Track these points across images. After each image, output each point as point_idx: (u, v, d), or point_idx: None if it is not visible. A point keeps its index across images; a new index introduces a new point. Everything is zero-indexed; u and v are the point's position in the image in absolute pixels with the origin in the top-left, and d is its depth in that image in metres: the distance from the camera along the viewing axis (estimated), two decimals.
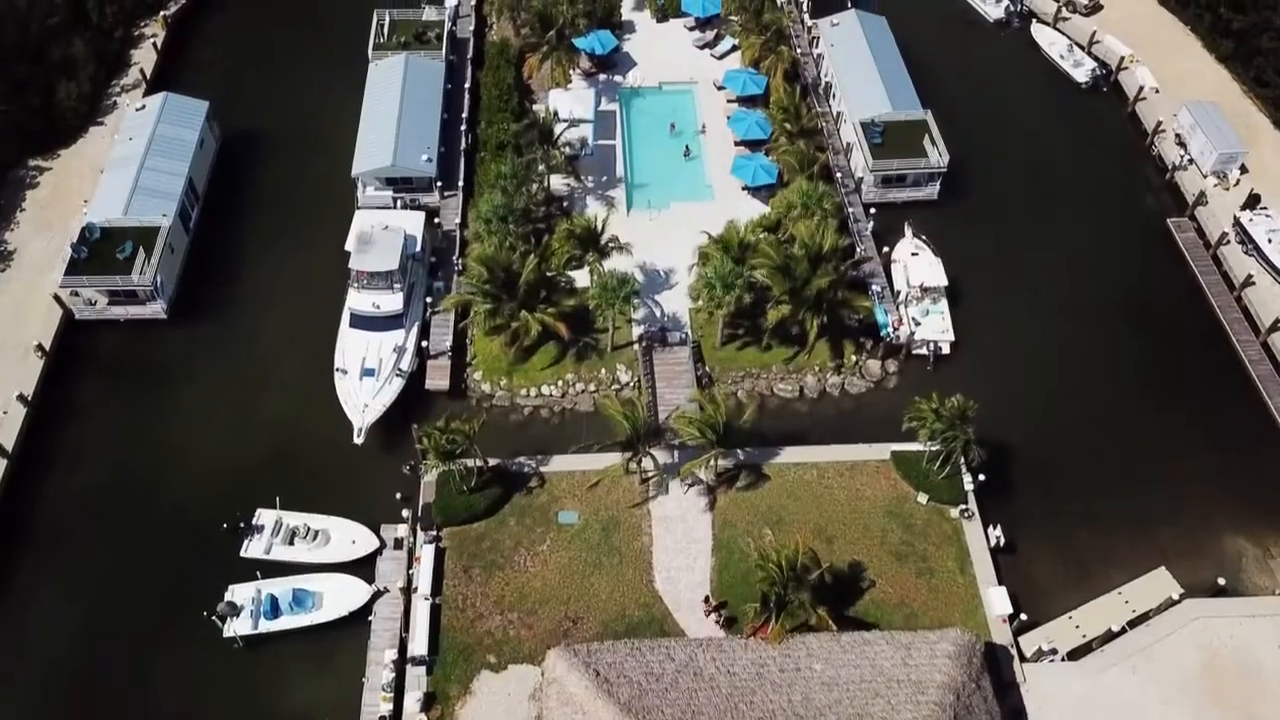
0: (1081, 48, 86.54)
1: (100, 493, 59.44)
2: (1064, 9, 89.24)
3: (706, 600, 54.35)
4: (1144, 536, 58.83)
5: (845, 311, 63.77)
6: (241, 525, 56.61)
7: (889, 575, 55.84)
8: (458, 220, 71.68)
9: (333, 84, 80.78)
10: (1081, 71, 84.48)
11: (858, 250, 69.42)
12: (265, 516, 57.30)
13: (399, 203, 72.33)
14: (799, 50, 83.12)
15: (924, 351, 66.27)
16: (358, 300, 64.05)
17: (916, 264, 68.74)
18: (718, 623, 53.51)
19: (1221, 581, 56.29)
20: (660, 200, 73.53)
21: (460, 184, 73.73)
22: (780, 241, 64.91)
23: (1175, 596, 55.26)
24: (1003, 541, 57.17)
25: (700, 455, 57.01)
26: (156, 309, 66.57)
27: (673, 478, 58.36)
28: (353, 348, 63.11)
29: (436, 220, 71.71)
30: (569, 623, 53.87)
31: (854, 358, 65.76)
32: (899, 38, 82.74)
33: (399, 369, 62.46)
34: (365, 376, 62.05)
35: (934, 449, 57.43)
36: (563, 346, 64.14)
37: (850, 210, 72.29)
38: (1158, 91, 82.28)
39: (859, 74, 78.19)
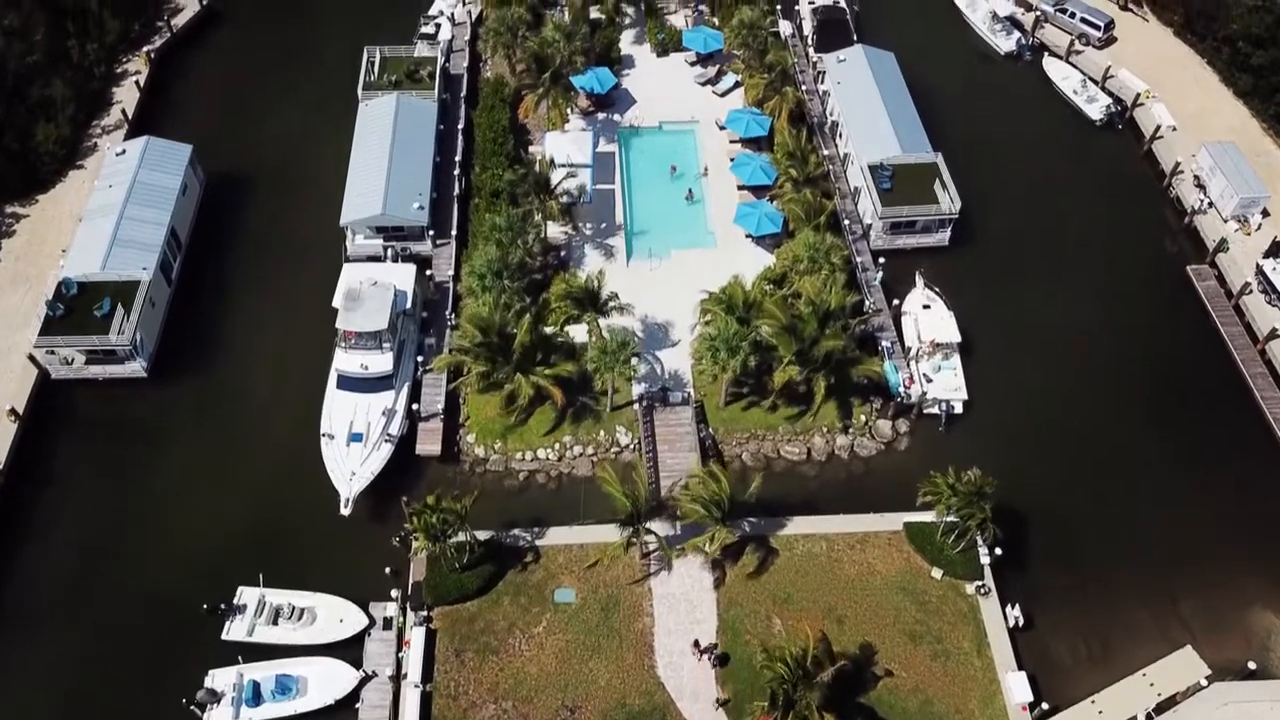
0: (1095, 82, 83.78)
1: (74, 567, 56.74)
2: (1077, 41, 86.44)
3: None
4: (1169, 611, 56.27)
5: (855, 371, 60.96)
6: (222, 606, 53.88)
7: (902, 658, 53.15)
8: (450, 272, 68.83)
9: (321, 123, 78.16)
10: (1096, 108, 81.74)
11: (866, 304, 66.72)
12: (247, 595, 54.58)
13: (389, 251, 69.58)
14: (804, 88, 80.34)
15: (936, 411, 63.53)
16: (345, 361, 61.33)
17: (928, 318, 66.04)
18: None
19: (1252, 665, 53.53)
20: (661, 248, 70.82)
21: (453, 232, 70.91)
22: (786, 297, 62.21)
23: (1203, 681, 52.56)
24: (1021, 622, 54.46)
25: (703, 532, 54.26)
26: (136, 368, 63.82)
27: (675, 552, 55.57)
28: (340, 411, 60.41)
29: (429, 271, 68.89)
30: (566, 711, 51.21)
31: (863, 418, 63.06)
32: (907, 71, 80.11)
33: (388, 434, 59.74)
34: (353, 441, 59.36)
35: (949, 520, 54.84)
36: (560, 408, 61.37)
37: (858, 259, 69.56)
38: (1175, 129, 79.56)
39: (866, 114, 75.45)
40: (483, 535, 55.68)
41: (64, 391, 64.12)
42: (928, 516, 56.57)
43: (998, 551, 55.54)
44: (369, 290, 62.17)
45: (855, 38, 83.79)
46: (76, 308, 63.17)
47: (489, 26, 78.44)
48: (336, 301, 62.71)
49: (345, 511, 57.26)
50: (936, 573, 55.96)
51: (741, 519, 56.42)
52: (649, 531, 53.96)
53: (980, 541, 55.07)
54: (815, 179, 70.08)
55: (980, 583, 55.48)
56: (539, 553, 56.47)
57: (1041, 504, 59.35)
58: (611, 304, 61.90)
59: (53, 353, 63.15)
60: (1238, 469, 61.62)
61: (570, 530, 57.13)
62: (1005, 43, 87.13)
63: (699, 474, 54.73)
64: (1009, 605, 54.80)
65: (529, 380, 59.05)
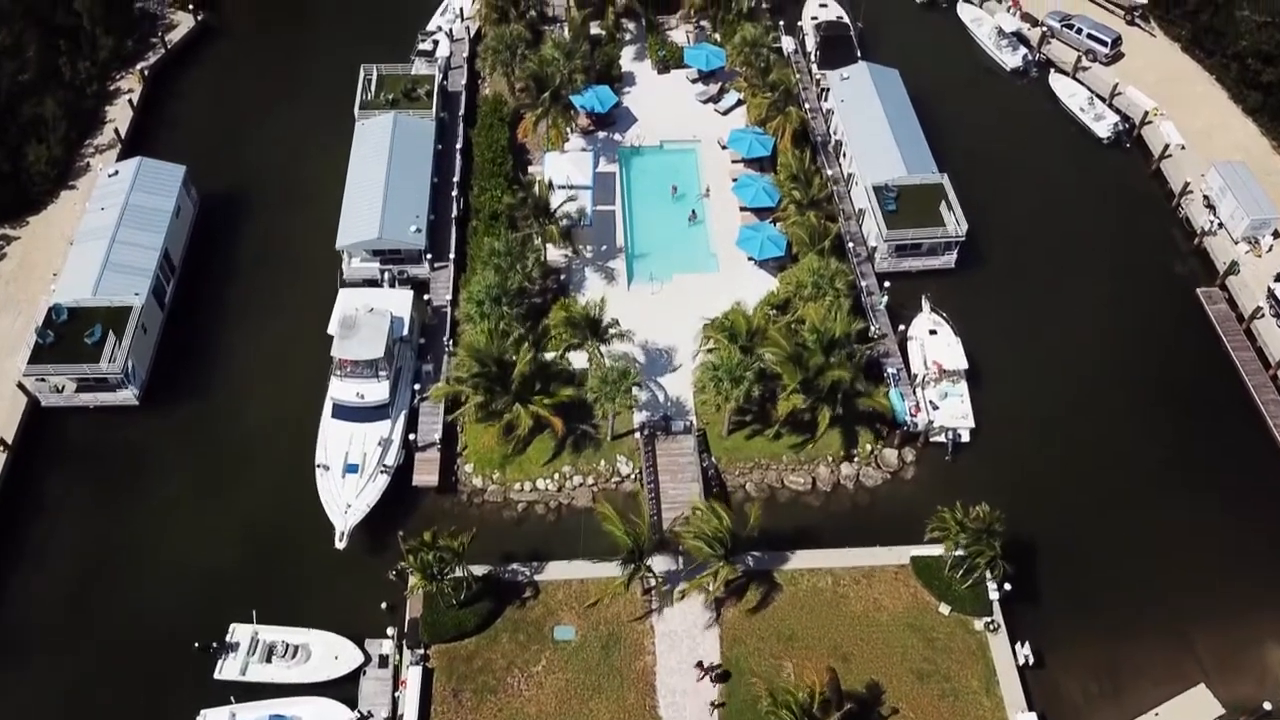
0: (1102, 99, 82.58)
1: (62, 603, 55.42)
2: (1084, 58, 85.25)
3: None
4: (1182, 647, 55.05)
5: (861, 402, 59.73)
6: (214, 644, 52.61)
7: (910, 698, 51.92)
8: (449, 296, 67.60)
9: (317, 142, 76.73)
10: (1103, 126, 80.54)
11: (872, 329, 65.49)
12: (240, 632, 53.31)
13: (386, 274, 68.37)
14: (807, 106, 79.08)
15: (942, 439, 62.32)
16: (340, 389, 60.08)
17: (935, 344, 64.87)
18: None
19: (1268, 706, 52.26)
20: (662, 272, 69.60)
21: (451, 255, 69.64)
22: (790, 324, 61.02)
23: None
24: (1031, 660, 53.22)
25: (706, 567, 53.04)
26: (128, 395, 62.55)
27: (676, 589, 54.33)
28: (335, 441, 59.14)
29: (426, 296, 67.66)
30: None
31: (869, 447, 61.86)
32: (912, 88, 78.82)
33: (384, 465, 58.51)
34: (348, 473, 58.09)
35: (957, 554, 53.66)
36: (559, 437, 60.16)
37: (863, 283, 68.30)
38: (1183, 148, 78.36)
39: (871, 134, 74.21)
40: (480, 570, 54.44)
41: (54, 419, 62.88)
42: (935, 550, 55.36)
43: (1007, 586, 54.28)
44: (365, 317, 60.96)
45: (859, 54, 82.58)
46: (67, 335, 61.85)
47: (487, 44, 77.19)
48: (331, 328, 61.45)
49: (340, 545, 56.04)
50: (944, 608, 54.77)
51: (745, 553, 55.20)
52: (650, 570, 52.70)
53: (989, 577, 53.84)
54: (819, 201, 68.79)
55: (989, 619, 54.28)
56: (538, 588, 55.25)
57: (1050, 535, 58.13)
58: (612, 331, 60.66)
59: (43, 380, 61.91)
60: (1251, 499, 60.37)
61: (570, 565, 55.91)
62: (1011, 59, 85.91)
63: (701, 507, 53.51)
64: (1019, 642, 53.58)
65: (528, 411, 57.86)
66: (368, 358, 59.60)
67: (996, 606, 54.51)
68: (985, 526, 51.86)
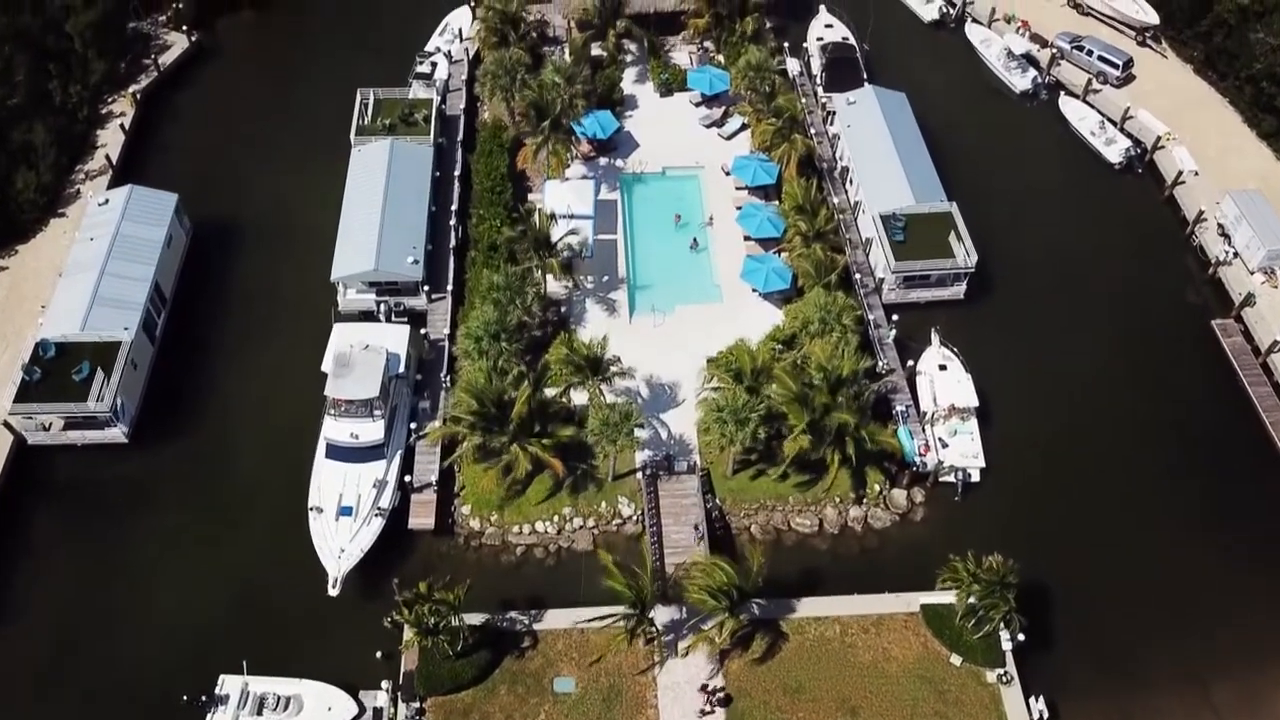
0: (1114, 123, 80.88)
1: (44, 651, 54.05)
2: (1094, 80, 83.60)
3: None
4: (1197, 694, 53.79)
5: (870, 443, 58.05)
6: (203, 697, 50.91)
7: None
8: (446, 330, 66.00)
9: (313, 168, 75.04)
10: (1114, 151, 78.85)
11: (879, 364, 63.86)
12: (230, 684, 51.60)
13: (382, 306, 66.81)
14: (813, 131, 77.44)
15: (952, 479, 60.69)
16: (334, 429, 58.48)
17: (944, 380, 63.31)
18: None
19: None
20: (665, 304, 67.99)
21: (449, 286, 68.02)
22: (796, 363, 59.40)
23: None
24: (1045, 713, 51.56)
25: (710, 620, 51.44)
26: (116, 434, 61.04)
27: (681, 644, 52.71)
28: (329, 482, 57.59)
29: (423, 330, 66.01)
30: None
31: (877, 487, 60.24)
32: (919, 111, 77.21)
33: (379, 507, 56.96)
34: (342, 515, 56.56)
35: (969, 602, 52.03)
36: (559, 477, 58.56)
37: (870, 316, 66.69)
38: (1197, 174, 76.68)
39: (878, 160, 72.58)
40: (478, 619, 52.94)
41: (41, 458, 61.42)
42: (946, 597, 53.78)
43: (1020, 637, 52.72)
44: (359, 355, 59.34)
45: (865, 76, 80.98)
46: (54, 371, 60.32)
47: (486, 69, 75.54)
48: (326, 366, 59.88)
49: (333, 592, 54.51)
50: (955, 659, 53.14)
51: (750, 600, 53.54)
52: (652, 623, 51.11)
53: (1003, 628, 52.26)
54: (825, 233, 67.10)
55: (1002, 670, 52.66)
56: (537, 637, 53.66)
57: (1064, 580, 56.66)
58: (614, 369, 59.01)
59: (29, 417, 60.36)
60: (1270, 540, 58.82)
61: (570, 612, 54.29)
62: (1020, 81, 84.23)
63: (705, 564, 51.90)
64: (1033, 696, 51.95)
65: (527, 453, 56.26)
66: (362, 397, 58.00)
67: (1010, 657, 52.93)
68: (999, 579, 50.24)
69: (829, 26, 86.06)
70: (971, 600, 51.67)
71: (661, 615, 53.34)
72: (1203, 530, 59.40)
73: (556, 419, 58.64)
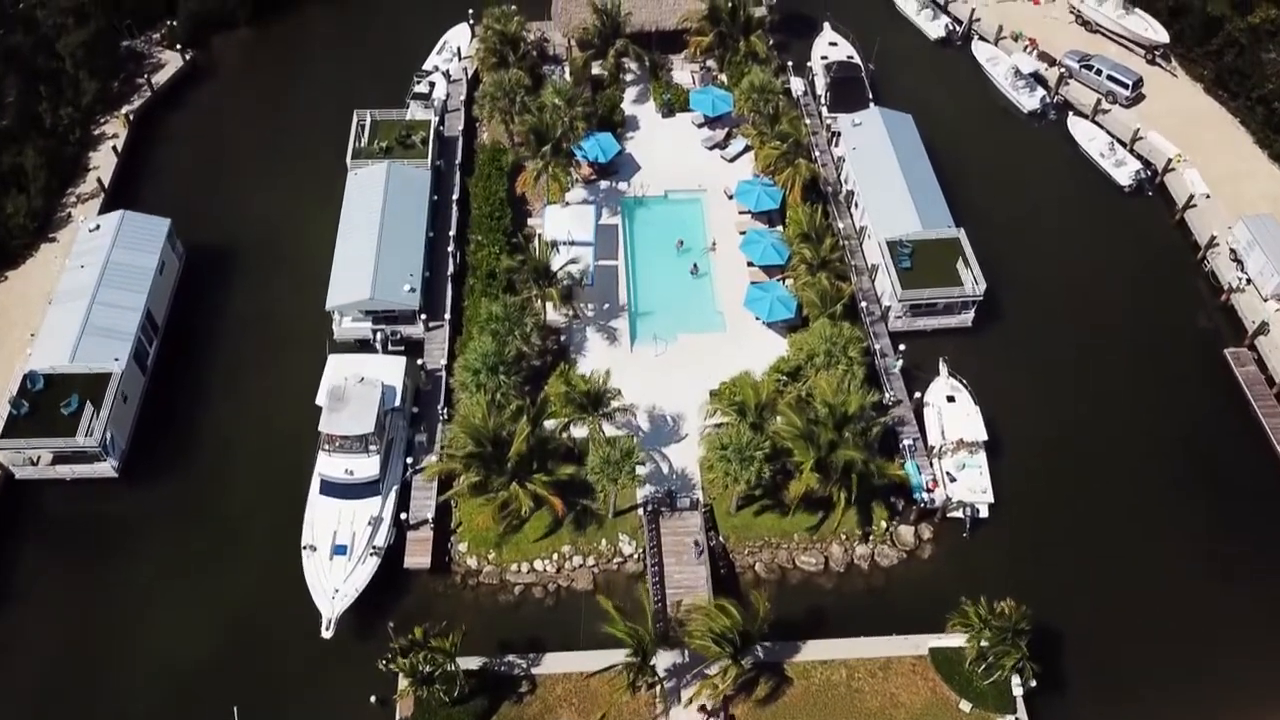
0: (1123, 144, 79.52)
1: (28, 696, 52.41)
2: (1104, 100, 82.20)
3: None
4: None
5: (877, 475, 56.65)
6: None
7: None
8: (444, 360, 64.61)
9: (309, 192, 73.73)
10: (1124, 173, 77.49)
11: (886, 395, 62.50)
12: None
13: (379, 335, 65.42)
14: (817, 153, 76.09)
15: (960, 515, 59.31)
16: (329, 465, 57.11)
17: (953, 412, 61.94)
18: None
19: None
20: (667, 332, 66.60)
21: (447, 315, 66.62)
22: (801, 396, 58.02)
23: None
24: None
25: (714, 668, 50.04)
26: (106, 468, 59.61)
27: (685, 693, 51.27)
28: (323, 520, 56.19)
29: (420, 360, 64.59)
30: None
31: (884, 523, 58.87)
32: (925, 131, 75.99)
33: (374, 546, 55.54)
34: (336, 554, 55.14)
35: (980, 645, 50.63)
36: (559, 516, 57.19)
37: (876, 345, 65.30)
38: (1208, 197, 75.35)
39: (884, 185, 71.21)
40: (475, 662, 51.57)
41: (28, 492, 59.95)
42: (955, 640, 52.43)
43: (1032, 683, 51.33)
44: (354, 389, 57.91)
45: (871, 96, 79.60)
46: (42, 404, 58.88)
47: (485, 91, 74.21)
48: (319, 400, 58.46)
49: (327, 634, 53.07)
50: (965, 705, 51.78)
51: (755, 643, 52.10)
52: (654, 670, 49.70)
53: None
54: (830, 261, 65.70)
55: (1014, 717, 51.30)
56: (535, 682, 52.27)
57: (1076, 620, 55.38)
58: (615, 404, 57.61)
59: (17, 451, 58.98)
60: None
61: (569, 656, 52.90)
62: (1029, 101, 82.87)
63: (707, 608, 50.51)
64: None
65: (526, 491, 54.88)
66: (357, 433, 56.62)
67: (1021, 703, 51.56)
68: (1011, 625, 48.82)
69: (833, 45, 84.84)
70: (983, 644, 50.30)
71: (663, 659, 51.91)
72: (1218, 565, 58.08)
73: (556, 455, 57.24)
